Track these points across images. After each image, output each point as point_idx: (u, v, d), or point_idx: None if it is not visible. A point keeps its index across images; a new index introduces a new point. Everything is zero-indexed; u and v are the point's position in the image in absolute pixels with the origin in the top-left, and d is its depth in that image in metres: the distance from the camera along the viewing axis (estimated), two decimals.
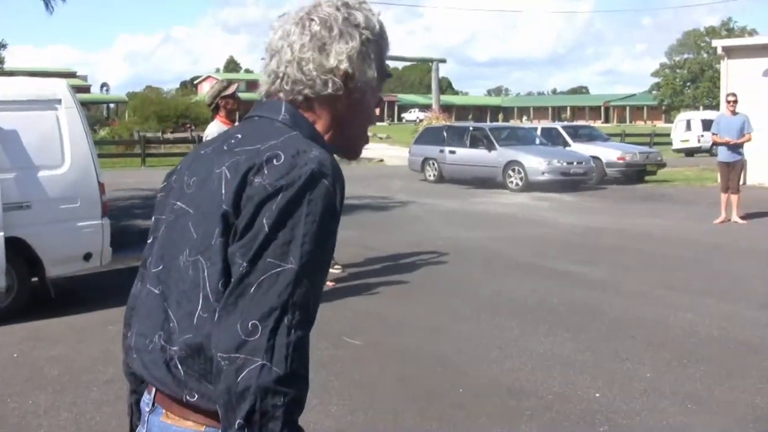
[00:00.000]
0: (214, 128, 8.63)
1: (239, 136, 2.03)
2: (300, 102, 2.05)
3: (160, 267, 2.03)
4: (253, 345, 1.72)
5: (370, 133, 2.33)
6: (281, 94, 2.06)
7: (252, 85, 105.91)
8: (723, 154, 16.91)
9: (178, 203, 2.04)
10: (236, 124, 8.78)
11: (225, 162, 1.93)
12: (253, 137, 1.97)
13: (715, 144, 17.94)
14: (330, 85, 2.01)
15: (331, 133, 2.09)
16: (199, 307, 1.89)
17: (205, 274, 1.89)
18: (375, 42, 2.09)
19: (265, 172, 1.84)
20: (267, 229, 1.79)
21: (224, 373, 1.73)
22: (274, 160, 1.85)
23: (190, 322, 1.90)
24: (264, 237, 1.78)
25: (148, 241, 2.17)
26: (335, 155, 2.11)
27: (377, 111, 2.22)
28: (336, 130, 2.10)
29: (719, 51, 26.76)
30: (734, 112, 16.55)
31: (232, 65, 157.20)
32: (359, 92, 2.07)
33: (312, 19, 2.03)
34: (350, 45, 2.02)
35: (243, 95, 9.36)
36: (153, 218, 2.19)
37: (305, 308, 1.79)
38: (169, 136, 48.63)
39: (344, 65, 2.01)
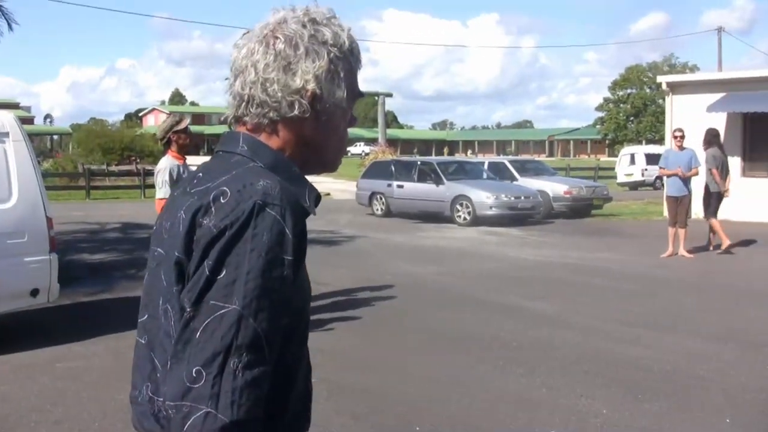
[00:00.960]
0: (165, 163, 8.54)
1: (200, 174, 1.96)
2: (265, 126, 1.96)
3: (146, 316, 1.97)
4: (197, 392, 1.66)
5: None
6: (247, 119, 1.96)
7: (199, 118, 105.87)
8: (671, 188, 17.10)
9: (158, 249, 1.96)
10: (186, 158, 8.73)
11: (184, 204, 1.87)
12: (210, 175, 1.90)
13: (663, 176, 18.10)
14: (296, 106, 1.92)
15: (299, 157, 2.00)
16: (170, 356, 1.80)
17: (172, 322, 1.83)
18: (344, 59, 1.99)
19: (212, 212, 1.78)
20: (208, 271, 1.72)
21: (172, 422, 1.68)
22: (221, 198, 1.79)
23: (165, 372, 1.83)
24: (206, 279, 1.72)
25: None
26: (315, 173, 2.07)
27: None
28: (305, 153, 2.01)
29: (664, 86, 27.19)
30: (681, 147, 16.75)
31: (177, 98, 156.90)
32: (327, 114, 1.99)
33: (277, 37, 1.93)
34: (317, 64, 1.93)
35: (191, 128, 9.26)
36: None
37: (255, 348, 1.70)
38: (114, 168, 48.21)
39: (311, 85, 1.92)
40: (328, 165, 2.11)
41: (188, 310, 1.72)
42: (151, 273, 1.97)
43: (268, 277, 1.73)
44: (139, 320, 2.00)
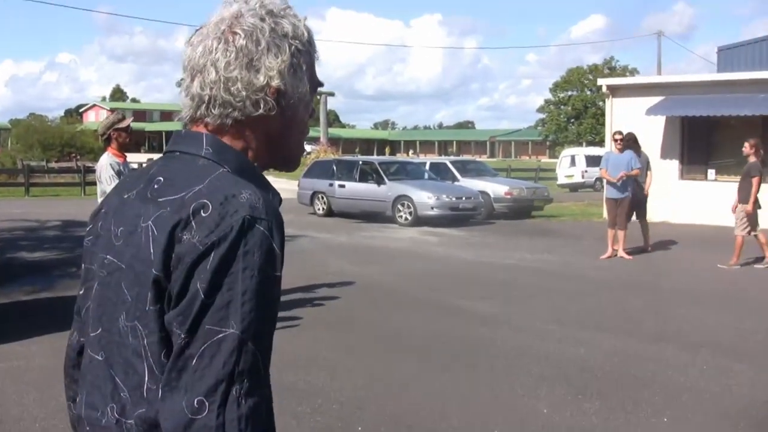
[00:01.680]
0: (106, 160, 8.45)
1: (161, 179, 1.82)
2: (228, 126, 1.85)
3: (99, 330, 1.85)
4: (201, 424, 1.59)
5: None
6: (208, 119, 1.85)
7: (140, 115, 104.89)
8: (610, 190, 17.32)
9: (108, 257, 1.84)
10: (127, 157, 8.64)
11: (150, 214, 1.75)
12: (176, 181, 1.78)
13: (603, 178, 18.29)
14: (261, 105, 1.82)
15: (263, 155, 1.92)
16: (146, 378, 1.73)
17: (145, 342, 1.72)
18: (305, 52, 1.91)
19: (194, 227, 1.67)
20: (202, 294, 1.63)
21: None
22: (202, 211, 1.68)
23: (140, 395, 1.73)
24: (200, 303, 1.63)
25: (80, 292, 1.98)
26: (273, 168, 1.99)
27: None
28: (269, 150, 1.93)
29: (604, 89, 27.47)
30: (621, 150, 16.95)
31: (118, 94, 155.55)
32: (292, 109, 1.90)
33: (236, 33, 1.82)
34: (280, 59, 1.83)
35: (132, 125, 9.19)
36: (83, 266, 1.98)
37: (255, 372, 1.64)
38: (53, 165, 47.75)
39: (276, 82, 1.83)
40: (292, 162, 2.03)
41: (182, 336, 1.64)
42: (104, 284, 1.85)
43: (262, 296, 1.66)
44: (90, 333, 1.88)
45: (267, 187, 1.87)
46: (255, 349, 1.65)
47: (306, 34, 1.92)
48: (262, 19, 1.85)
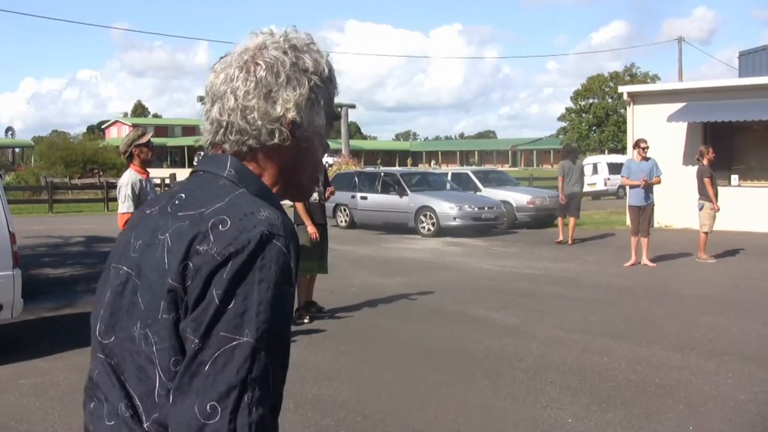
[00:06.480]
0: (128, 177, 8.52)
1: (183, 195, 1.88)
2: (245, 153, 1.91)
3: (112, 338, 1.88)
4: (213, 428, 1.61)
5: None
6: (226, 146, 1.92)
7: (162, 130, 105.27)
8: (633, 198, 17.25)
9: (124, 268, 1.89)
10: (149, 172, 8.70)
11: (169, 227, 1.80)
12: (197, 198, 1.84)
13: (626, 186, 18.28)
14: (276, 135, 1.88)
15: (278, 185, 1.98)
16: (157, 385, 1.75)
17: (155, 349, 1.76)
18: (324, 87, 1.96)
19: (212, 239, 1.72)
20: (218, 301, 1.67)
21: None
22: (220, 226, 1.73)
23: (152, 401, 1.76)
24: (215, 310, 1.67)
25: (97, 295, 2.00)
26: (286, 200, 2.03)
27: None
28: (283, 180, 1.98)
29: (625, 96, 27.42)
30: (645, 158, 16.90)
31: (140, 110, 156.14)
32: (306, 141, 1.95)
33: (258, 64, 1.88)
34: (298, 92, 1.89)
35: (154, 140, 9.26)
36: (103, 272, 2.01)
37: (265, 382, 1.67)
38: (76, 181, 47.97)
39: (291, 114, 1.89)
40: (304, 192, 2.10)
41: (196, 342, 1.67)
42: (116, 293, 1.89)
43: (276, 309, 1.70)
44: (103, 341, 1.91)
45: (284, 213, 1.90)
46: (267, 361, 1.68)
47: (326, 70, 1.98)
48: (285, 53, 1.91)
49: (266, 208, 1.79)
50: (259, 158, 1.93)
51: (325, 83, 1.97)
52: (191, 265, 1.72)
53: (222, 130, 1.92)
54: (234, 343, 1.65)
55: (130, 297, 1.85)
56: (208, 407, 1.63)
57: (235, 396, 1.63)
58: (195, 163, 2.03)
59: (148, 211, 1.95)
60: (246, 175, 1.91)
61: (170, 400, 1.69)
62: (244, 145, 1.90)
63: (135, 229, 1.93)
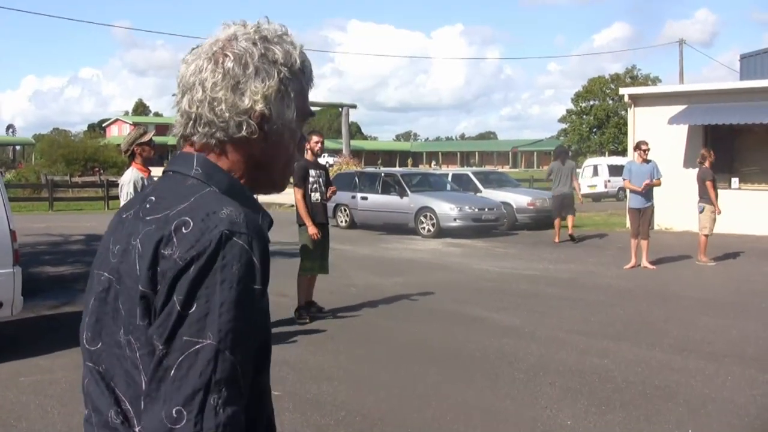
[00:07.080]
0: (130, 176, 8.54)
1: (153, 198, 1.87)
2: (213, 146, 1.90)
3: (99, 345, 1.88)
4: None
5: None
6: (195, 138, 1.90)
7: (163, 129, 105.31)
8: (633, 200, 17.26)
9: (105, 274, 1.88)
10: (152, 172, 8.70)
11: (140, 232, 1.78)
12: (165, 200, 1.82)
13: (628, 189, 18.29)
14: (244, 127, 1.86)
15: (247, 178, 1.95)
16: (143, 390, 1.73)
17: (138, 355, 1.75)
18: (295, 79, 1.94)
19: (175, 243, 1.71)
20: (179, 306, 1.65)
21: None
22: (183, 228, 1.72)
23: (140, 406, 1.74)
24: (177, 315, 1.66)
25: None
26: (262, 192, 2.02)
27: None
28: (253, 174, 1.95)
29: (626, 99, 27.42)
30: (646, 160, 16.90)
31: (141, 108, 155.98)
32: (276, 134, 1.93)
33: (226, 55, 1.86)
34: (267, 84, 1.87)
35: (155, 138, 9.25)
36: (89, 278, 2.00)
37: (232, 382, 1.66)
38: (77, 180, 47.90)
39: (260, 106, 1.86)
40: (277, 186, 2.06)
41: (160, 347, 1.66)
42: (100, 299, 1.88)
43: (241, 308, 1.68)
44: (90, 348, 1.91)
45: (256, 208, 1.91)
46: (234, 360, 1.66)
47: (298, 62, 1.95)
48: (254, 44, 1.89)
49: (229, 205, 1.77)
50: (228, 151, 1.91)
51: (296, 75, 1.95)
52: (159, 270, 1.71)
53: (191, 122, 1.90)
54: (197, 346, 1.64)
55: (113, 303, 1.83)
56: (174, 412, 1.62)
57: (200, 399, 1.62)
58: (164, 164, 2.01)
59: (123, 216, 1.93)
60: (214, 172, 1.90)
61: (143, 407, 1.68)
62: (213, 137, 1.89)
63: (113, 234, 1.92)
